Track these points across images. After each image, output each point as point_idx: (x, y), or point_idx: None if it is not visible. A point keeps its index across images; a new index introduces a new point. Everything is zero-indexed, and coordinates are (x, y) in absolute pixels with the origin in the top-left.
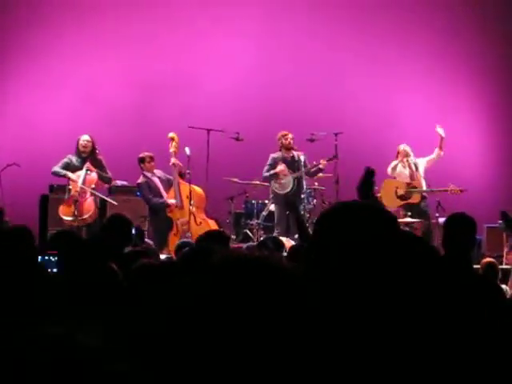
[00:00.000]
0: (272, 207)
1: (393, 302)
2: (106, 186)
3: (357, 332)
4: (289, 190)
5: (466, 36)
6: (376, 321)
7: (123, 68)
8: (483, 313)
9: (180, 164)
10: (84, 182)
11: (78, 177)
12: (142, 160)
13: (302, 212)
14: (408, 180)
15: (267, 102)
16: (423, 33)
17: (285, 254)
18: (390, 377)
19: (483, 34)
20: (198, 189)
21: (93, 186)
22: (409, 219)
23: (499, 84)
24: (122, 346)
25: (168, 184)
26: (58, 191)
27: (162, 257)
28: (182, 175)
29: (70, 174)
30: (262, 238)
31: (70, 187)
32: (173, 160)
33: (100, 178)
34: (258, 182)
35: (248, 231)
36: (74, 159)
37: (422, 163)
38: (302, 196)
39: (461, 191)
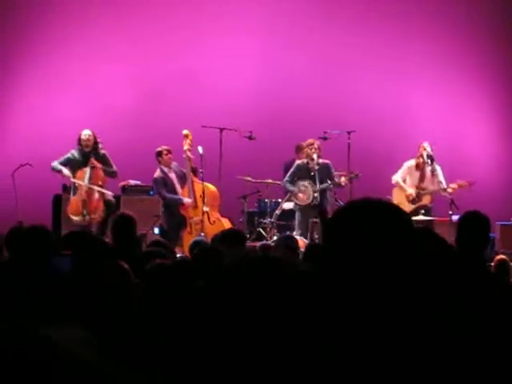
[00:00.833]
0: (285, 205)
1: (406, 300)
2: (120, 184)
3: (372, 331)
4: (309, 202)
5: (474, 30)
6: (391, 319)
7: (132, 68)
8: (494, 310)
9: (192, 158)
10: (90, 180)
11: (83, 173)
12: (159, 154)
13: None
14: (415, 183)
15: (280, 100)
16: (432, 29)
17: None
18: (404, 371)
19: (492, 28)
20: (211, 187)
21: (100, 182)
22: (421, 217)
23: (511, 77)
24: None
25: (183, 179)
26: (70, 191)
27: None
28: (194, 171)
29: (64, 171)
30: (275, 237)
31: (76, 185)
32: (187, 155)
33: (105, 173)
34: (271, 181)
35: (261, 230)
36: (77, 154)
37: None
38: (325, 207)
39: (469, 184)
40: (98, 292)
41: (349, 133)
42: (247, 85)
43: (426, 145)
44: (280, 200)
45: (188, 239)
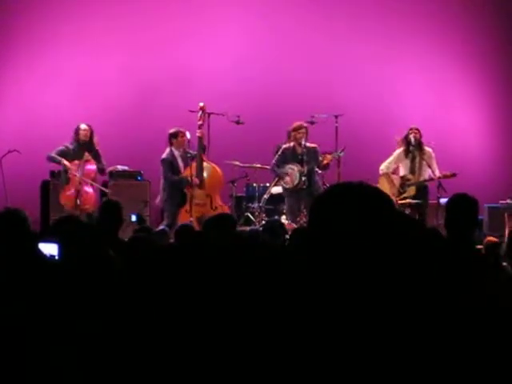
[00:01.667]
0: (273, 190)
1: (392, 285)
2: (107, 170)
3: (358, 319)
4: (296, 183)
5: (462, 16)
6: (377, 306)
7: (121, 57)
8: (484, 292)
9: (204, 134)
10: (83, 174)
11: (76, 165)
12: (175, 135)
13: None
14: (407, 171)
15: (268, 85)
16: (424, 15)
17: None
18: (392, 361)
19: (480, 13)
20: (219, 170)
21: (91, 178)
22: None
23: (500, 65)
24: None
25: (185, 160)
26: (58, 177)
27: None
28: (203, 148)
29: (65, 162)
30: (263, 222)
31: (69, 175)
32: (199, 132)
33: (97, 169)
34: (259, 166)
35: (249, 214)
36: (72, 147)
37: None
38: (314, 188)
39: (453, 175)
40: (85, 278)
41: (336, 117)
42: (234, 69)
43: (413, 129)
44: (268, 184)
45: (184, 217)
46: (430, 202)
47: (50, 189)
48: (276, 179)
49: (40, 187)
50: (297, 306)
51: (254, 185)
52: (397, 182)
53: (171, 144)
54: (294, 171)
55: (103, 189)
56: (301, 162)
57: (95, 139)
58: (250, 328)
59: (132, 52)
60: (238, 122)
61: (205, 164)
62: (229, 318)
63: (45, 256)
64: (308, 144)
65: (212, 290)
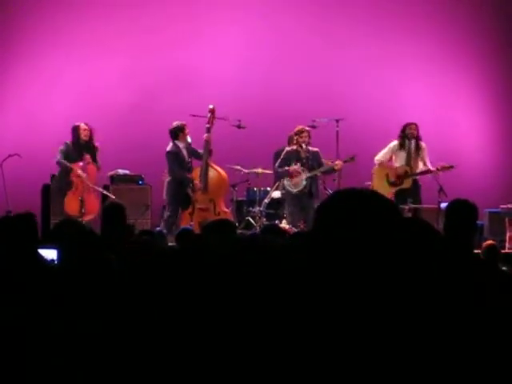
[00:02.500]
0: (274, 194)
1: (393, 289)
2: (108, 174)
3: (359, 320)
4: (300, 188)
5: (462, 17)
6: (378, 309)
7: (122, 61)
8: (483, 297)
9: (211, 139)
10: (87, 176)
11: (81, 169)
12: (180, 129)
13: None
14: (403, 163)
15: (269, 89)
16: (424, 18)
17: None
18: (391, 362)
19: (480, 14)
20: (224, 175)
21: (94, 180)
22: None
23: (501, 67)
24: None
25: (190, 153)
26: (59, 181)
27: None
28: (209, 153)
29: (77, 170)
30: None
31: (72, 178)
32: (206, 136)
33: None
34: (260, 170)
35: (250, 219)
36: (71, 147)
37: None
38: (316, 195)
39: (451, 167)
40: (84, 282)
41: (337, 121)
42: (236, 73)
43: (413, 125)
44: (269, 189)
45: (186, 220)
46: (431, 206)
47: (50, 193)
48: (277, 184)
49: (41, 191)
50: (298, 308)
51: (255, 189)
52: (393, 172)
53: (176, 138)
54: (300, 174)
55: (108, 194)
56: (304, 166)
57: (94, 138)
58: (251, 329)
59: (133, 56)
60: (239, 127)
61: (210, 169)
62: (230, 319)
63: (45, 260)
64: (311, 148)
65: (213, 292)
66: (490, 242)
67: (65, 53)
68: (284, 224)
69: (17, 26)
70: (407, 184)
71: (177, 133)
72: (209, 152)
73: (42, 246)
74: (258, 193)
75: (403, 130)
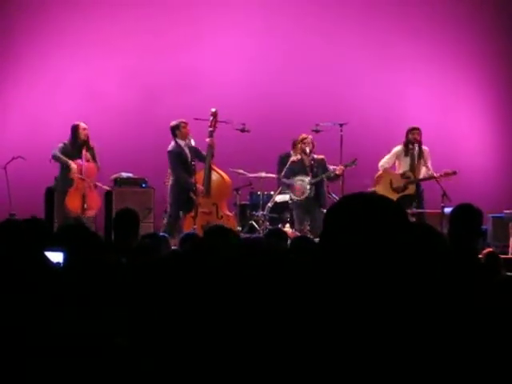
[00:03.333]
0: (278, 198)
1: (399, 293)
2: (112, 177)
3: (363, 323)
4: (306, 195)
5: (467, 24)
6: (382, 313)
7: (125, 63)
8: (485, 302)
9: (214, 143)
10: (86, 175)
11: (79, 166)
12: (176, 127)
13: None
14: (406, 168)
15: (273, 93)
16: (425, 20)
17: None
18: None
19: (484, 21)
20: (227, 178)
21: (93, 178)
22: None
23: (503, 69)
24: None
25: (193, 152)
26: (61, 181)
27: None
28: (212, 156)
29: (72, 165)
30: (267, 230)
31: (72, 176)
32: (209, 140)
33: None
34: (263, 174)
35: (254, 223)
36: (70, 145)
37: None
38: (322, 198)
39: (454, 173)
40: (89, 286)
41: (341, 125)
42: (240, 77)
43: (416, 130)
44: (272, 192)
45: (189, 223)
46: (434, 211)
47: (54, 195)
48: (280, 188)
49: (44, 194)
50: (303, 310)
51: (258, 193)
52: (397, 178)
53: (175, 136)
54: (303, 183)
55: (105, 187)
56: (309, 173)
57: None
58: (254, 332)
59: (136, 59)
60: (242, 130)
61: (213, 173)
62: (232, 322)
63: (51, 263)
64: (315, 156)
65: (216, 295)
66: (489, 249)
67: (68, 54)
68: (287, 228)
69: (20, 27)
70: (411, 190)
71: (174, 131)
72: (212, 155)
73: (47, 248)
74: (261, 197)
75: (407, 135)
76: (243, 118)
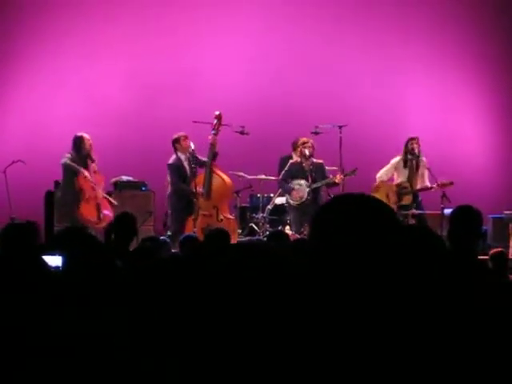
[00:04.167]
0: (277, 200)
1: (395, 295)
2: (112, 180)
3: (359, 325)
4: (303, 200)
5: (467, 26)
6: (377, 315)
7: (125, 66)
8: (487, 304)
9: (216, 142)
10: (94, 180)
11: (89, 176)
12: (176, 141)
13: None
14: (404, 179)
15: (272, 95)
16: (426, 23)
17: None
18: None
19: (484, 24)
20: (228, 181)
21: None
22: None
23: (505, 70)
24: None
25: (193, 165)
26: (66, 191)
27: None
28: (214, 156)
29: (85, 172)
30: (267, 232)
31: (81, 186)
32: (211, 137)
33: None
34: (264, 177)
35: (253, 225)
36: (76, 157)
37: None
38: (319, 202)
39: (451, 183)
40: (88, 290)
41: (340, 127)
42: (239, 80)
43: (415, 140)
44: (272, 195)
45: (190, 226)
46: (434, 212)
47: (54, 199)
48: (280, 190)
49: (44, 198)
50: (300, 313)
51: (258, 195)
52: (394, 190)
53: (176, 149)
54: (301, 187)
55: (112, 200)
56: (308, 178)
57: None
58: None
59: (136, 62)
60: (242, 133)
61: (214, 175)
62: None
63: (49, 267)
64: (315, 160)
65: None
66: (497, 249)
67: (68, 57)
68: (287, 230)
69: (20, 31)
70: (407, 200)
71: (174, 145)
72: (213, 156)
73: (46, 252)
74: (261, 199)
75: (406, 145)
76: (243, 120)
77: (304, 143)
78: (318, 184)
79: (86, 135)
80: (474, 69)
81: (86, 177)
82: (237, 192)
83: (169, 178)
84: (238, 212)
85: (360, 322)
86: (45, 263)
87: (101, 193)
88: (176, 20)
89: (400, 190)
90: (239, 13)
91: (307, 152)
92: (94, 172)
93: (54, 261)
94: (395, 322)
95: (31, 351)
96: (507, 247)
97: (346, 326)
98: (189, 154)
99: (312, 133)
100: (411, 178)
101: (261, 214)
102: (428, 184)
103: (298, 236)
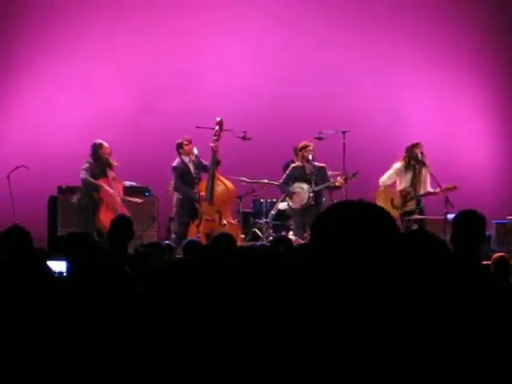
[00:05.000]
0: (281, 206)
1: (396, 299)
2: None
3: (361, 328)
4: (304, 203)
5: (468, 29)
6: (379, 319)
7: (128, 72)
8: (490, 309)
9: (218, 147)
10: (115, 192)
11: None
12: (179, 146)
13: None
14: (407, 185)
15: (275, 100)
16: (425, 24)
17: None
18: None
19: (483, 26)
20: (230, 185)
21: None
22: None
23: (506, 72)
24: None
25: (199, 167)
26: (66, 192)
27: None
28: (217, 163)
29: (106, 187)
30: (271, 237)
31: (101, 195)
32: (213, 145)
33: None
34: (266, 181)
35: (257, 230)
36: (94, 165)
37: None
38: (321, 206)
39: (455, 188)
40: (95, 295)
41: (343, 132)
42: (241, 84)
43: (418, 145)
44: (275, 200)
45: (194, 231)
46: (437, 217)
47: (57, 204)
48: (283, 195)
49: (48, 203)
50: (302, 316)
51: (262, 200)
52: (397, 196)
53: (180, 153)
54: (302, 190)
55: (137, 200)
56: (310, 181)
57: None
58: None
59: (138, 68)
60: (244, 138)
61: (217, 181)
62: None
63: (53, 273)
64: (316, 163)
65: (217, 302)
66: (500, 254)
67: (71, 63)
68: (291, 235)
69: (22, 37)
70: (411, 206)
71: (178, 149)
72: (216, 163)
73: (50, 258)
74: (264, 204)
75: (408, 151)
76: (245, 125)
77: (305, 147)
78: (320, 187)
79: (104, 143)
80: (474, 69)
81: (107, 190)
82: (239, 197)
83: (173, 181)
84: (241, 217)
85: (362, 325)
86: (49, 269)
87: (119, 200)
88: (177, 26)
89: (404, 196)
90: (240, 18)
91: (309, 156)
92: (113, 179)
93: (58, 266)
94: (396, 325)
95: (34, 353)
96: (511, 252)
97: (347, 329)
98: (193, 158)
99: (315, 138)
100: (414, 183)
101: (264, 220)
102: (431, 189)
103: (301, 241)
